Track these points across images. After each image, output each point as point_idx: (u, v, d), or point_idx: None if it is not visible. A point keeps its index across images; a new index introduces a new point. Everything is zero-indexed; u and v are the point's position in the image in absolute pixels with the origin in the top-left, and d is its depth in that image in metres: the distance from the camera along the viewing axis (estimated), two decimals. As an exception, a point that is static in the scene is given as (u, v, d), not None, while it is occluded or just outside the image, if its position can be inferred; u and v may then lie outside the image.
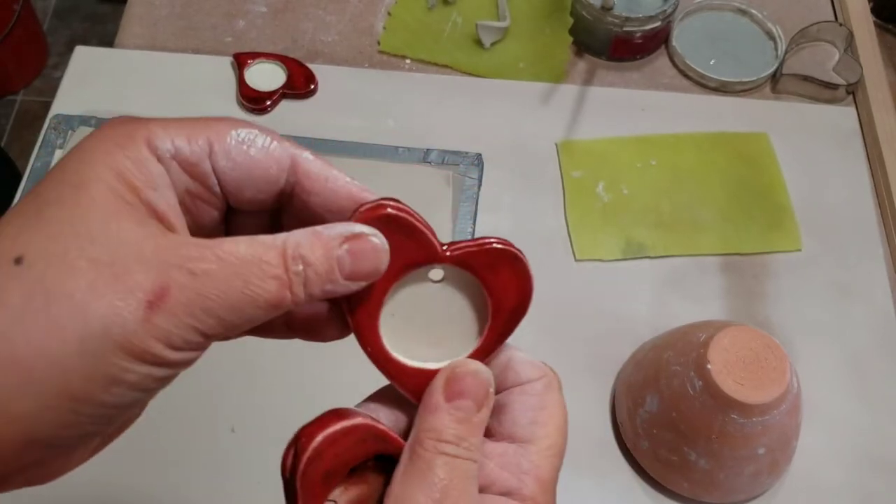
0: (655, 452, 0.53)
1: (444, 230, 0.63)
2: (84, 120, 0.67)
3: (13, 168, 1.29)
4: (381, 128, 0.68)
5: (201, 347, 0.24)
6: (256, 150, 0.26)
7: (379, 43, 0.74)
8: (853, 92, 0.72)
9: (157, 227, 0.24)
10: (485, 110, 0.70)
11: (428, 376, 0.28)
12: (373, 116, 0.69)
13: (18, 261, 0.22)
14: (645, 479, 0.55)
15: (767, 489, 0.54)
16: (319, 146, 0.67)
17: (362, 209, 0.26)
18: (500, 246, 0.27)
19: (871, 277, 0.63)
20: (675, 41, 0.73)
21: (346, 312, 0.27)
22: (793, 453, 0.54)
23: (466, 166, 0.66)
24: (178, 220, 0.25)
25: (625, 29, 0.70)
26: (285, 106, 0.70)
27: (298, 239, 0.25)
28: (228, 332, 0.24)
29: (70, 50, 0.73)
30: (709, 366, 0.48)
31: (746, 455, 0.50)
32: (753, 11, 0.75)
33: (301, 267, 0.24)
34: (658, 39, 0.73)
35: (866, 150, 0.69)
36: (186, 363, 0.24)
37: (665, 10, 0.70)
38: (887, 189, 0.66)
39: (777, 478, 0.54)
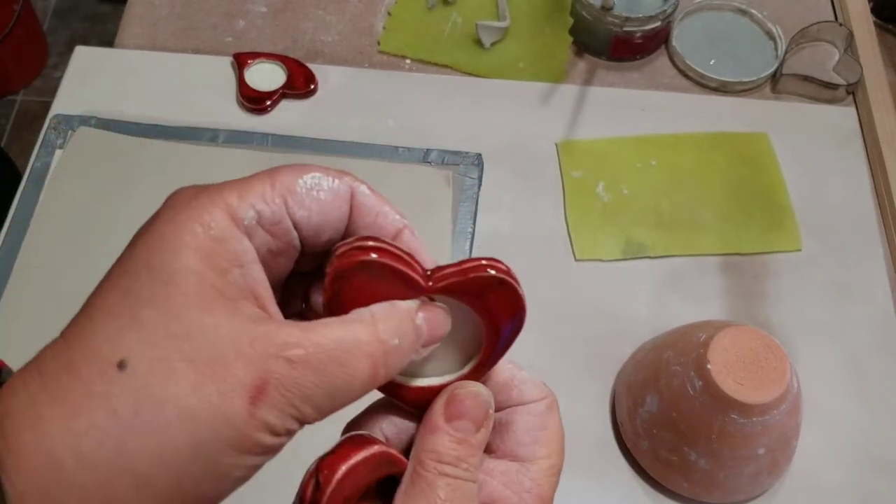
0: (655, 452, 0.53)
1: (444, 230, 0.63)
2: (84, 120, 0.67)
3: (13, 168, 1.29)
4: (382, 128, 0.68)
5: (296, 432, 0.24)
6: (325, 192, 0.26)
7: (379, 43, 0.74)
8: (853, 92, 0.72)
9: (248, 314, 0.24)
10: (485, 110, 0.70)
11: (431, 392, 0.28)
12: (373, 116, 0.69)
13: (122, 365, 0.22)
14: (645, 479, 0.55)
15: (767, 489, 0.54)
16: (319, 146, 0.67)
17: (339, 252, 0.26)
18: (486, 273, 0.26)
19: (871, 277, 0.63)
20: (675, 41, 0.73)
21: None
22: (793, 453, 0.54)
23: (466, 166, 0.66)
24: (266, 293, 0.25)
25: (625, 29, 0.70)
26: (285, 106, 0.70)
27: (384, 313, 0.25)
28: (323, 416, 0.24)
29: (70, 50, 0.73)
30: (709, 366, 0.48)
31: (746, 455, 0.50)
32: (753, 11, 0.75)
33: (398, 341, 0.25)
34: (658, 39, 0.73)
35: (866, 150, 0.69)
36: (282, 447, 0.24)
37: (665, 10, 0.70)
38: (887, 189, 0.66)
39: (777, 478, 0.54)
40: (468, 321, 0.28)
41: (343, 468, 0.26)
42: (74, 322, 0.23)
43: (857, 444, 0.56)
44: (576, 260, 0.63)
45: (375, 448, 0.27)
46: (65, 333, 0.23)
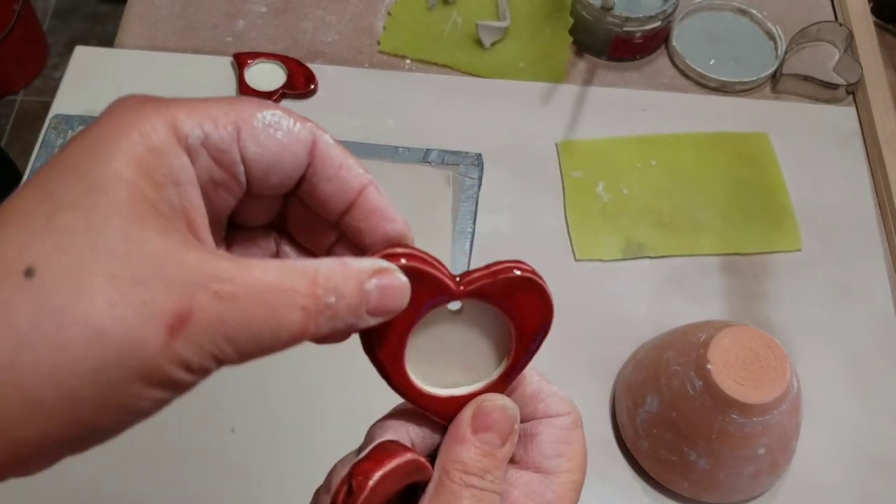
0: (655, 452, 0.53)
1: (444, 230, 0.63)
2: (84, 120, 0.67)
3: (13, 168, 1.29)
4: (381, 128, 0.68)
5: (211, 372, 0.22)
6: (283, 133, 0.24)
7: (379, 43, 0.74)
8: (853, 92, 0.72)
9: (180, 236, 0.22)
10: (485, 110, 0.70)
11: (459, 402, 0.28)
12: (373, 116, 0.69)
13: (29, 273, 0.20)
14: (645, 479, 0.55)
15: (767, 489, 0.54)
16: (319, 146, 0.67)
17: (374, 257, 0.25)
18: (515, 274, 0.27)
19: (871, 277, 0.63)
20: (675, 41, 0.73)
21: (370, 353, 0.27)
22: (793, 453, 0.54)
23: (466, 166, 0.66)
24: (201, 219, 0.23)
25: (625, 29, 0.70)
26: (285, 106, 0.69)
27: (330, 268, 0.23)
28: (243, 360, 0.22)
29: (70, 50, 0.73)
30: (709, 366, 0.48)
31: (746, 455, 0.50)
32: (753, 11, 0.75)
33: (334, 299, 0.23)
34: (658, 39, 0.73)
35: (866, 150, 0.69)
36: (193, 386, 0.22)
37: (665, 10, 0.70)
38: (887, 189, 0.66)
39: (777, 478, 0.54)
40: (495, 329, 0.28)
41: (377, 475, 0.26)
42: None
43: (856, 444, 0.56)
44: (576, 260, 0.63)
45: (408, 456, 0.27)
46: None
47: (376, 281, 0.24)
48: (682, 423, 0.50)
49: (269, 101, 0.25)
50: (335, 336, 0.25)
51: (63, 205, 0.21)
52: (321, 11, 0.76)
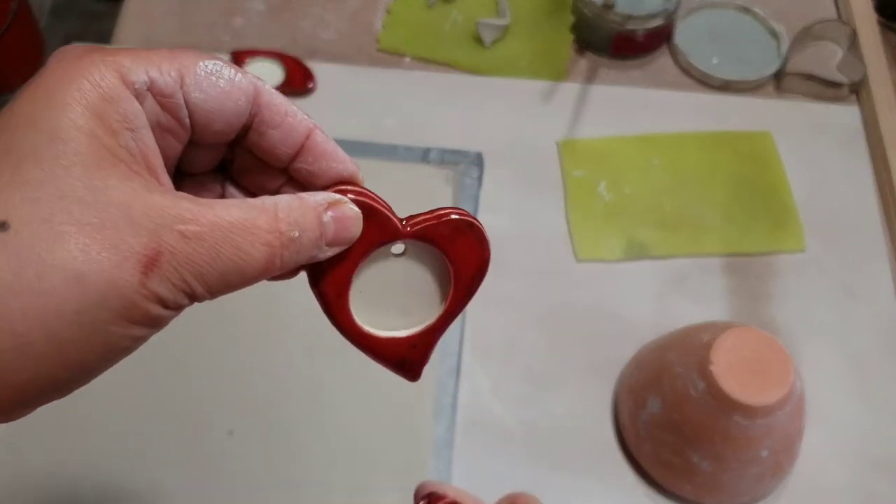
0: (658, 455, 0.52)
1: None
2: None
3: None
4: (381, 126, 0.68)
5: (184, 307, 0.24)
6: (224, 81, 0.25)
7: (378, 41, 0.74)
8: (857, 91, 0.72)
9: (142, 180, 0.23)
10: (485, 109, 0.69)
11: (400, 344, 0.30)
12: (372, 115, 0.68)
13: (3, 226, 0.21)
14: (647, 481, 0.54)
15: (771, 491, 0.54)
16: (318, 145, 0.66)
17: None
18: (455, 216, 0.29)
19: (875, 278, 0.62)
20: (678, 39, 0.73)
21: (317, 293, 0.28)
22: (796, 455, 0.53)
23: (466, 165, 0.66)
24: (157, 161, 0.24)
25: (627, 27, 0.69)
26: (284, 104, 0.69)
27: (289, 204, 0.25)
28: (214, 296, 0.24)
29: (66, 48, 0.73)
30: (712, 367, 0.48)
31: (750, 457, 0.49)
32: (756, 10, 0.75)
33: (297, 233, 0.24)
34: (660, 38, 0.73)
35: (870, 149, 0.69)
36: (168, 321, 0.24)
37: (667, 9, 0.69)
38: (891, 188, 0.65)
39: (780, 480, 0.54)
40: (434, 273, 0.30)
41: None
42: None
43: (860, 446, 0.56)
44: (577, 260, 0.62)
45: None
46: None
47: (332, 213, 0.26)
48: (684, 425, 0.50)
49: (211, 53, 0.26)
50: (293, 271, 0.26)
51: (25, 158, 0.22)
52: (320, 9, 0.76)
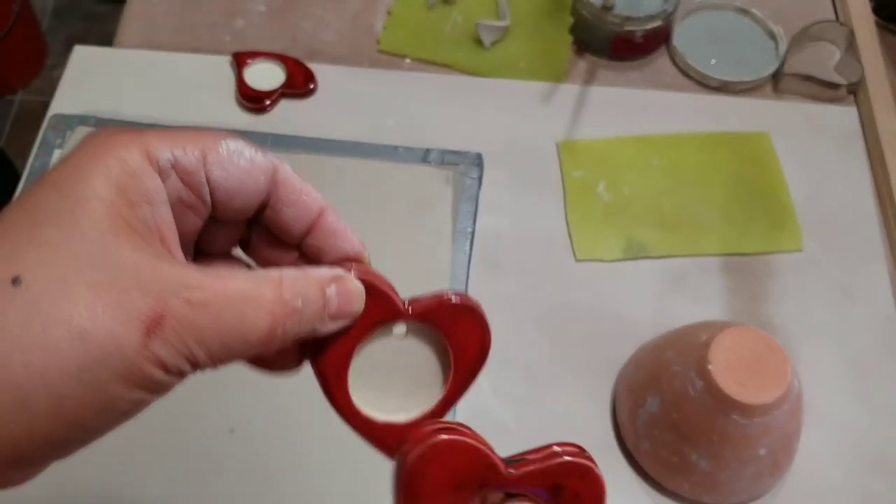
0: (656, 453, 0.53)
1: (444, 230, 0.63)
2: (83, 119, 0.67)
3: (12, 168, 1.29)
4: (381, 127, 0.68)
5: (186, 374, 0.24)
6: (245, 160, 0.27)
7: (379, 42, 0.74)
8: (854, 91, 0.72)
9: (154, 250, 0.24)
10: (485, 110, 0.69)
11: (397, 430, 0.29)
12: (372, 116, 0.69)
13: (16, 281, 0.22)
14: (646, 480, 0.55)
15: (769, 490, 0.54)
16: (319, 146, 0.67)
17: None
18: (457, 300, 0.29)
19: (872, 278, 0.63)
20: (676, 41, 0.73)
21: (316, 370, 0.28)
22: (794, 454, 0.54)
23: (466, 166, 0.66)
24: (172, 235, 0.25)
25: (625, 28, 0.70)
26: (284, 105, 0.69)
27: (294, 275, 0.26)
28: (215, 363, 0.24)
29: (69, 49, 0.73)
30: (710, 366, 0.48)
31: (748, 456, 0.50)
32: (754, 11, 0.75)
33: (300, 303, 0.25)
34: (659, 39, 0.73)
35: (867, 150, 0.69)
36: (170, 388, 0.24)
37: (666, 10, 0.70)
38: (888, 189, 0.66)
39: (778, 479, 0.54)
40: (435, 357, 0.29)
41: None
42: None
43: (858, 445, 0.56)
44: (576, 260, 0.63)
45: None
46: None
47: (335, 286, 0.26)
48: (682, 423, 0.50)
49: (233, 133, 0.28)
50: (296, 359, 0.28)
51: (46, 220, 0.23)
52: (321, 10, 0.76)
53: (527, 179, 0.66)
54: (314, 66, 0.70)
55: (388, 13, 0.75)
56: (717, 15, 0.76)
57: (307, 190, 0.28)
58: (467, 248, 0.62)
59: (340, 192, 0.64)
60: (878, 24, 0.75)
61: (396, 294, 0.28)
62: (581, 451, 0.28)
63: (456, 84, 0.71)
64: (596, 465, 0.28)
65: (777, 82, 0.72)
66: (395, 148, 0.66)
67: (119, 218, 0.23)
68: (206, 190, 0.26)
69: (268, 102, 0.68)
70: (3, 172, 1.25)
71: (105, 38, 0.76)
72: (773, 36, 0.74)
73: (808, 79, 0.71)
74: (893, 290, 0.62)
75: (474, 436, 0.28)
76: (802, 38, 0.74)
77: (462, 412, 0.56)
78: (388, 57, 0.73)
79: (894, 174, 0.66)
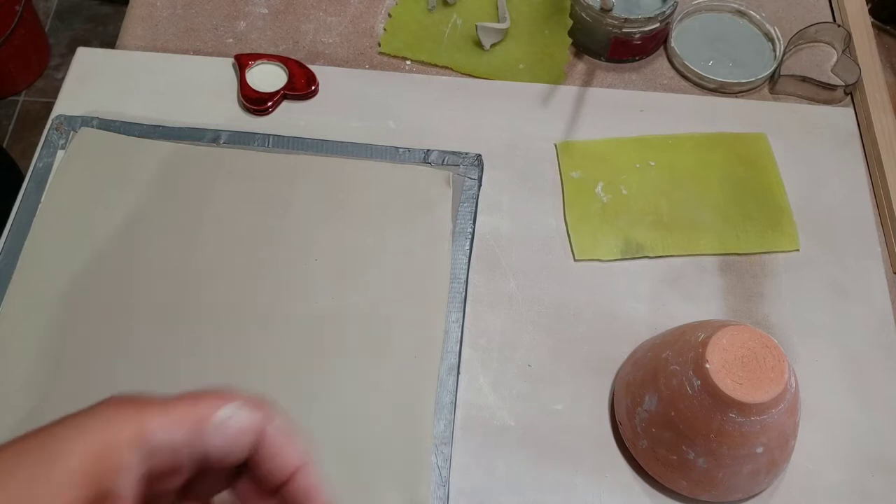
0: (654, 451, 0.53)
1: (444, 230, 0.63)
2: (86, 121, 0.68)
3: (15, 169, 1.29)
4: (382, 129, 0.69)
5: None
6: (240, 424, 0.30)
7: (379, 44, 0.74)
8: (851, 93, 0.73)
9: None
10: (485, 111, 0.70)
11: None
12: (373, 117, 0.69)
13: None
14: (644, 477, 0.55)
15: (765, 488, 0.55)
16: (320, 147, 0.67)
17: None
18: None
19: (869, 278, 0.63)
20: (674, 42, 0.74)
21: None
22: (791, 452, 0.54)
23: (466, 167, 0.66)
24: None
25: (624, 30, 0.70)
26: (286, 107, 0.70)
27: None
28: None
29: (72, 51, 0.74)
30: (707, 365, 0.48)
31: (745, 454, 0.50)
32: (752, 13, 0.75)
33: None
34: (657, 41, 0.74)
35: (864, 151, 0.70)
36: None
37: (664, 12, 0.70)
38: (885, 190, 0.66)
39: (775, 477, 0.54)
40: None
41: None
42: None
43: (854, 444, 0.57)
44: (575, 260, 0.63)
45: None
46: None
47: None
48: (680, 422, 0.50)
49: (228, 394, 0.31)
50: None
51: (13, 483, 0.26)
52: (322, 13, 0.77)
53: (526, 180, 0.67)
54: (316, 68, 0.71)
55: (389, 16, 0.76)
56: (714, 17, 0.76)
57: (289, 446, 0.31)
58: (467, 248, 0.63)
59: (342, 193, 0.64)
60: (874, 26, 0.75)
61: None
62: None
63: (456, 86, 0.72)
64: None
65: (774, 84, 0.73)
66: (396, 149, 0.67)
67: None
68: (201, 453, 0.29)
69: (270, 104, 0.69)
70: (6, 173, 1.26)
71: (108, 39, 0.77)
72: (770, 38, 0.75)
73: (806, 80, 0.71)
74: (890, 289, 0.63)
75: None
76: (799, 39, 0.74)
77: (461, 411, 0.57)
78: (389, 59, 0.74)
79: (891, 175, 0.66)
